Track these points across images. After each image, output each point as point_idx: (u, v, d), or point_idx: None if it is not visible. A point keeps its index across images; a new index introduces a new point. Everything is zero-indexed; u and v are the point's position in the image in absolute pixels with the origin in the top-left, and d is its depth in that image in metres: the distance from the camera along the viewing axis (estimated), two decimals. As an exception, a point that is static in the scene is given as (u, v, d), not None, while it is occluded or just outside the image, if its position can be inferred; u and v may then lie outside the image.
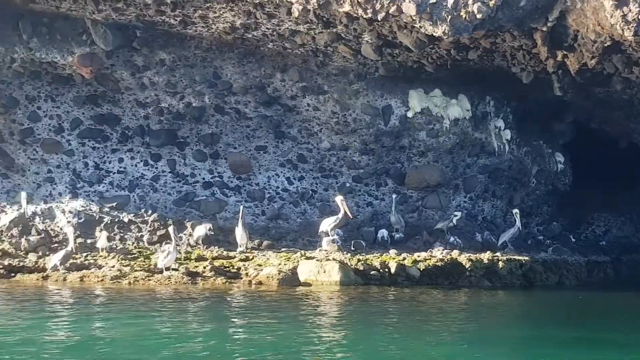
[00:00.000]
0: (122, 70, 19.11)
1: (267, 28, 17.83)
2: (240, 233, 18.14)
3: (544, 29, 16.00)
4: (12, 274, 16.51)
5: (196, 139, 20.08)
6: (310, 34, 17.82)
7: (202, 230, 18.65)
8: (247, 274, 16.59)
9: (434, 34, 15.90)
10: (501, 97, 20.85)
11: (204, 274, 16.35)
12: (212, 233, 18.92)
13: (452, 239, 19.32)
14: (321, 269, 16.75)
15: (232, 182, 20.20)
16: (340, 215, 18.20)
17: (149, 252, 18.00)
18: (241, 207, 18.56)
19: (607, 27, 15.34)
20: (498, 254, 18.49)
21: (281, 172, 20.35)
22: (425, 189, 20.37)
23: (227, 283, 15.89)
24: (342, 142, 20.00)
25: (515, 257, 18.54)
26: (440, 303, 15.12)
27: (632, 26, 15.05)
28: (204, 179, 20.14)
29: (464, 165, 20.59)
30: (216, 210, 19.85)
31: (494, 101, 20.78)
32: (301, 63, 19.19)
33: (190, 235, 18.79)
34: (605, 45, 15.91)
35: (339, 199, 18.36)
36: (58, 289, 15.00)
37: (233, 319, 12.27)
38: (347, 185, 20.31)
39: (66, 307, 12.94)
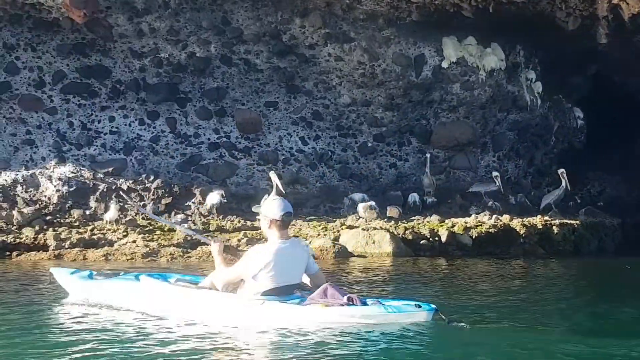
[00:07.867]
0: (118, 15, 16.47)
1: (293, -36, 15.60)
2: (272, 200, 15.86)
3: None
4: (7, 253, 13.89)
5: (199, 94, 17.65)
6: (342, -28, 15.67)
7: (216, 197, 16.35)
8: (288, 246, 14.37)
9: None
10: (530, 46, 19.09)
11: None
12: (225, 200, 16.65)
13: (490, 202, 17.59)
14: (369, 240, 14.75)
15: (240, 142, 17.87)
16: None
17: (159, 223, 15.63)
18: (272, 172, 16.16)
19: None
20: (548, 218, 16.85)
21: (294, 130, 18.13)
22: (452, 148, 18.51)
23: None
24: (364, 96, 17.89)
25: (567, 221, 16.91)
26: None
27: None
28: (209, 139, 17.73)
29: (494, 121, 18.80)
30: (226, 175, 17.51)
31: (524, 51, 19.01)
32: (324, 7, 16.96)
33: (201, 203, 16.50)
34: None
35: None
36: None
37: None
38: (369, 145, 18.27)
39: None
